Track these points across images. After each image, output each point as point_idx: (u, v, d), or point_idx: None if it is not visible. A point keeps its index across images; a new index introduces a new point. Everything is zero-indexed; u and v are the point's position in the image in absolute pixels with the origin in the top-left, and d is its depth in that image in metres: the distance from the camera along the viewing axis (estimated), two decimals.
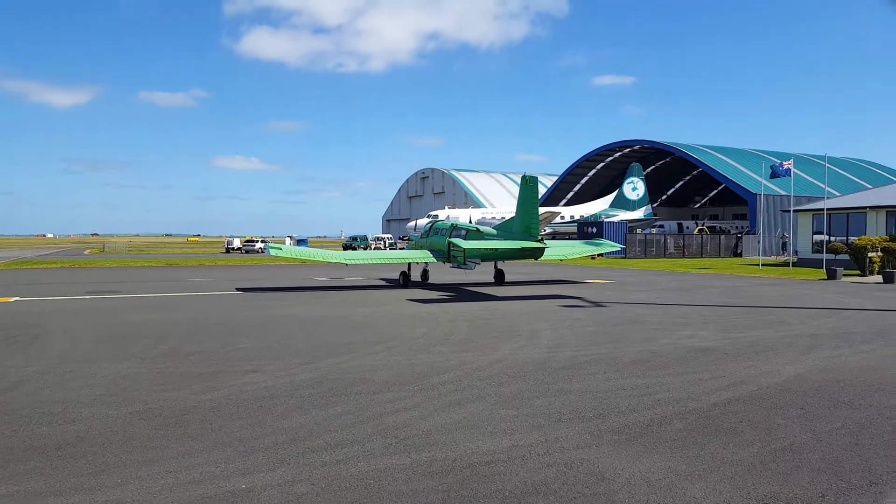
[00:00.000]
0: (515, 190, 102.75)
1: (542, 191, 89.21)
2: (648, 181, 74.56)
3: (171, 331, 13.89)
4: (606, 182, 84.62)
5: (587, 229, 56.56)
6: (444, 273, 31.95)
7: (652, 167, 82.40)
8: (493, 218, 63.38)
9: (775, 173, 36.09)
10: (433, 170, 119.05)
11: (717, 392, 8.67)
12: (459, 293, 23.31)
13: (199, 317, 16.27)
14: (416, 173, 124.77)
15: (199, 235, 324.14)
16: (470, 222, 59.50)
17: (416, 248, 27.71)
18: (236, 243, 78.44)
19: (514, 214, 24.56)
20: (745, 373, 9.76)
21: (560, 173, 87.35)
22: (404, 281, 25.54)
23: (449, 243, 24.80)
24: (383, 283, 28.17)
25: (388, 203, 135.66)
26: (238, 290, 24.14)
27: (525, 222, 22.70)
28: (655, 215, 70.80)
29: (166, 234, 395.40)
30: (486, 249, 23.51)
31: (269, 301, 20.17)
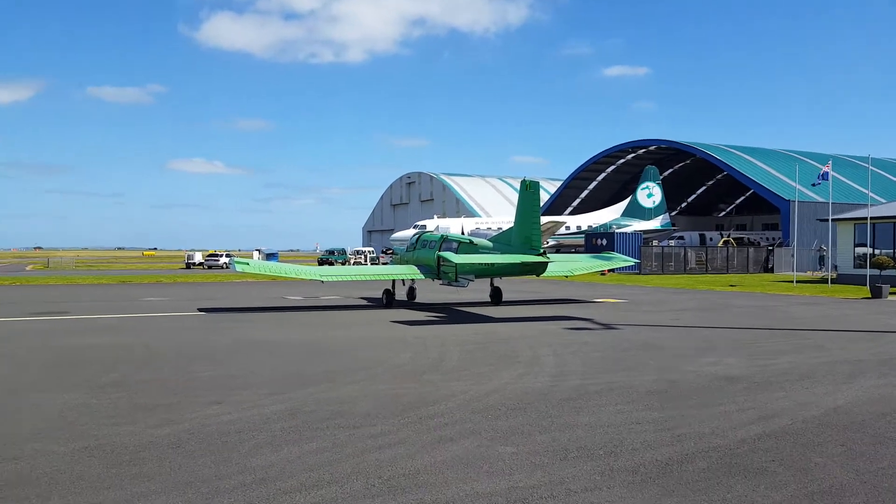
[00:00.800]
0: (514, 197, 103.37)
1: (544, 198, 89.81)
2: (666, 186, 75.19)
3: (125, 357, 13.84)
4: (618, 187, 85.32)
5: (596, 241, 56.86)
6: (433, 291, 32.00)
7: (670, 170, 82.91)
8: (489, 228, 63.57)
9: (816, 182, 36.19)
10: (420, 174, 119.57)
11: (745, 427, 8.68)
12: (451, 314, 23.28)
13: (155, 341, 16.21)
14: (400, 178, 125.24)
15: (155, 249, 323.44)
16: (462, 233, 59.70)
17: (401, 263, 27.76)
18: (198, 258, 78.27)
19: (512, 224, 24.68)
20: (777, 405, 9.78)
21: (565, 178, 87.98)
22: (388, 300, 25.58)
23: (438, 257, 24.88)
24: (364, 302, 28.14)
25: (369, 212, 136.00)
26: (200, 311, 24.09)
27: (525, 233, 22.83)
28: (674, 225, 71.33)
29: (118, 248, 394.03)
30: (481, 264, 23.58)
31: (235, 323, 20.13)
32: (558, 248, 67.13)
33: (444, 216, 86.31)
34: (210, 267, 73.28)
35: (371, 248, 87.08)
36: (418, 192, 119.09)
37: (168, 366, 12.84)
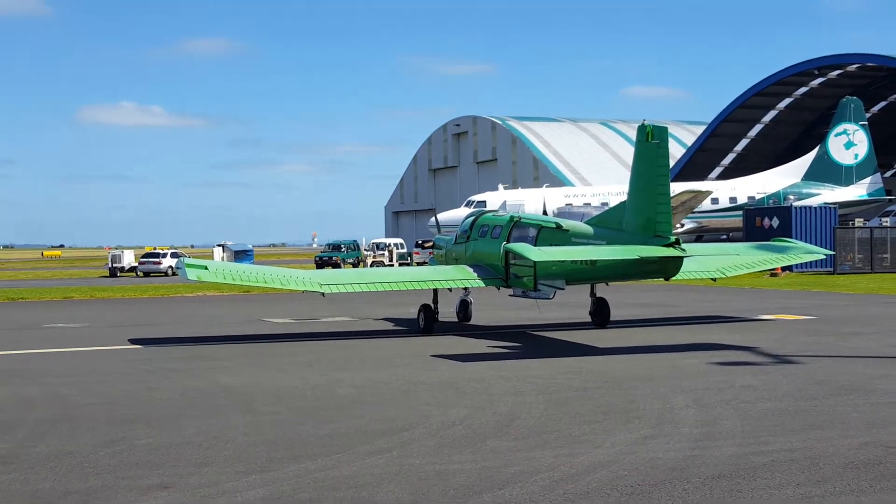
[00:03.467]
0: (625, 152, 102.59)
1: (676, 154, 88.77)
2: (877, 131, 73.33)
3: (21, 416, 14.16)
4: (796, 134, 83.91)
5: (761, 222, 56.07)
6: (498, 307, 32.04)
7: (883, 104, 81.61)
8: (587, 204, 63.20)
9: None
10: (476, 119, 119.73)
11: None
12: (528, 343, 23.17)
13: (66, 391, 16.55)
14: (444, 127, 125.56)
15: (61, 247, 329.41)
16: (545, 213, 59.42)
17: (447, 263, 27.91)
18: (128, 260, 79.82)
19: (623, 197, 24.54)
20: None
21: (709, 121, 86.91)
22: (427, 322, 25.72)
23: (507, 252, 24.87)
24: (390, 326, 28.21)
25: (395, 183, 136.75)
26: (134, 343, 24.52)
27: (646, 211, 22.62)
28: (890, 193, 69.78)
29: (4, 247, 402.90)
30: (576, 263, 23.49)
31: (189, 362, 20.43)
32: (700, 234, 66.20)
33: (514, 186, 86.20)
34: (148, 273, 74.68)
35: (399, 241, 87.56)
36: (472, 149, 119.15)
37: (87, 430, 13.10)
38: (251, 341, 24.70)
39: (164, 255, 77.16)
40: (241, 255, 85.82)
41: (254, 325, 29.02)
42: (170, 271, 72.45)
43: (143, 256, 79.01)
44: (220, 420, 13.61)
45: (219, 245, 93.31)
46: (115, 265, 78.24)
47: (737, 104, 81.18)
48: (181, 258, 54.81)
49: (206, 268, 24.08)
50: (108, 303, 41.87)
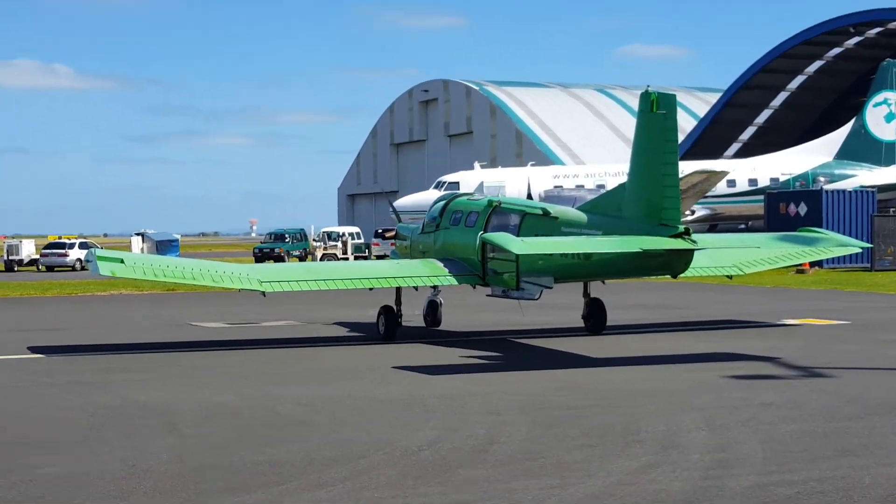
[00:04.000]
0: (624, 124, 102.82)
1: (685, 125, 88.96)
2: None
3: None
4: (827, 104, 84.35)
5: (785, 208, 56.35)
6: (473, 308, 32.09)
7: None
8: (580, 187, 63.25)
9: None
10: (446, 83, 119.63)
11: None
12: (508, 351, 23.21)
13: None
14: (409, 92, 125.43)
15: None
16: (529, 197, 59.44)
17: (411, 256, 27.97)
18: (27, 250, 79.12)
19: (622, 178, 24.59)
20: None
21: (724, 88, 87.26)
22: (389, 326, 25.73)
23: (485, 243, 24.84)
24: (344, 331, 28.17)
25: (349, 159, 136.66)
26: (33, 351, 24.35)
27: (649, 194, 22.67)
28: None
29: None
30: (567, 257, 23.51)
31: (100, 374, 20.32)
32: (714, 223, 66.41)
33: (492, 165, 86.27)
34: (51, 268, 74.11)
35: (355, 230, 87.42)
36: (443, 120, 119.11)
37: None
38: (175, 350, 24.56)
39: (71, 246, 76.47)
40: (164, 247, 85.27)
41: (179, 331, 28.86)
42: (78, 265, 71.96)
43: (46, 247, 78.32)
44: (137, 444, 13.51)
45: (137, 234, 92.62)
46: (11, 257, 77.49)
47: (758, 68, 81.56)
48: (91, 249, 54.23)
49: (121, 261, 23.88)
50: (2, 303, 41.51)
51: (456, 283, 25.24)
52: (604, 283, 27.43)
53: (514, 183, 64.71)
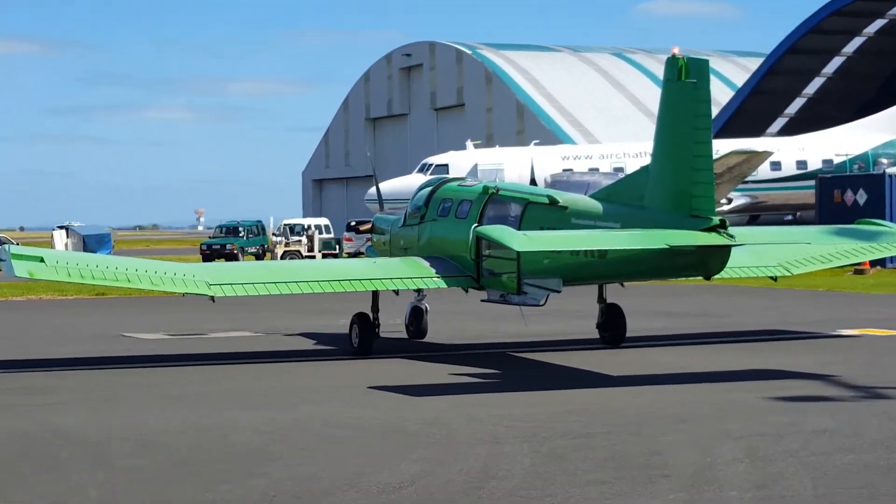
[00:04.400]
0: (647, 95, 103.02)
1: (719, 97, 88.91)
2: None
3: None
4: (889, 70, 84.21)
5: (841, 195, 56.41)
6: (465, 316, 32.11)
7: None
8: (594, 170, 63.41)
9: None
10: (432, 46, 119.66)
11: None
12: (507, 368, 23.25)
13: None
14: (387, 57, 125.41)
15: None
16: (533, 182, 59.47)
17: (391, 253, 28.07)
18: None
19: (644, 160, 24.64)
20: None
21: (768, 52, 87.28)
22: (363, 337, 25.73)
23: (479, 237, 24.84)
24: (310, 344, 28.18)
25: (316, 137, 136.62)
26: None
27: (678, 180, 22.69)
28: None
29: None
30: (578, 254, 23.52)
31: (15, 395, 20.28)
32: (755, 214, 66.47)
33: (488, 144, 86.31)
34: None
35: (324, 222, 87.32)
36: (429, 90, 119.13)
37: None
38: (106, 366, 24.51)
39: None
40: (93, 242, 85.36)
41: (110, 343, 28.81)
42: None
43: None
44: (60, 479, 13.44)
45: (61, 227, 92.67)
46: None
47: (807, 27, 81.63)
48: (4, 246, 53.79)
49: (41, 259, 23.85)
50: None
51: (445, 285, 25.22)
52: (622, 285, 27.47)
53: (514, 166, 64.81)
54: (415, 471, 13.66)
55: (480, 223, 25.05)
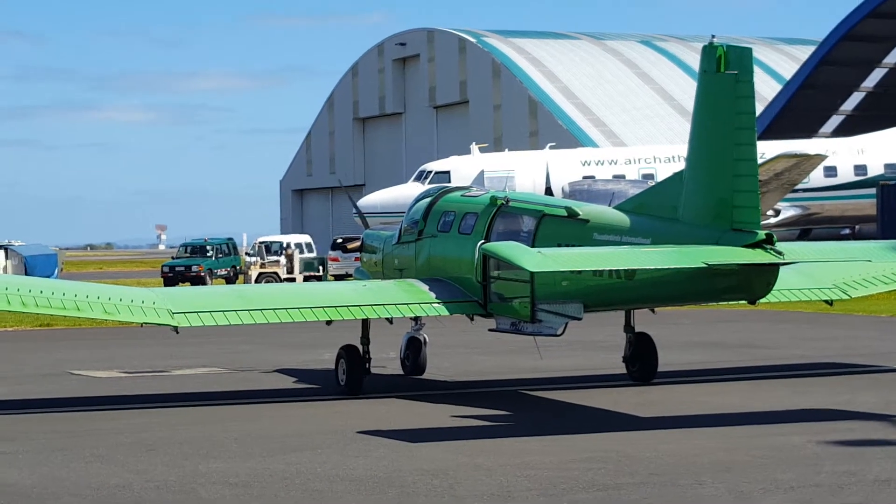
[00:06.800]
0: (680, 90, 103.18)
1: (764, 92, 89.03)
2: None
3: None
4: None
5: None
6: (471, 347, 32.10)
7: None
8: (619, 178, 63.52)
9: None
10: (431, 34, 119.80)
11: None
12: (520, 408, 23.28)
13: None
14: (379, 47, 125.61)
15: None
16: (549, 192, 59.60)
17: (383, 276, 28.20)
18: None
19: (678, 165, 24.68)
20: None
21: (820, 39, 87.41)
22: (352, 374, 25.75)
23: (486, 256, 24.88)
24: (288, 381, 28.21)
25: (297, 141, 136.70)
26: None
27: (717, 189, 22.73)
28: None
29: None
30: (601, 275, 23.54)
31: None
32: (807, 227, 66.53)
33: (496, 148, 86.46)
34: None
35: (305, 239, 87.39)
36: (427, 85, 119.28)
37: None
38: (52, 409, 24.51)
39: None
40: (37, 264, 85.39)
41: (57, 383, 28.81)
42: None
43: None
44: None
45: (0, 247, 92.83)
46: None
47: (866, 10, 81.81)
48: None
49: None
50: None
51: (447, 312, 25.27)
52: (653, 311, 27.53)
53: (527, 172, 64.99)
54: None
55: (488, 239, 25.11)
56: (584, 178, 64.60)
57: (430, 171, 69.01)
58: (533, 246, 23.72)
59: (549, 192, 58.37)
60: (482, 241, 25.10)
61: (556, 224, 25.01)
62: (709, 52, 22.35)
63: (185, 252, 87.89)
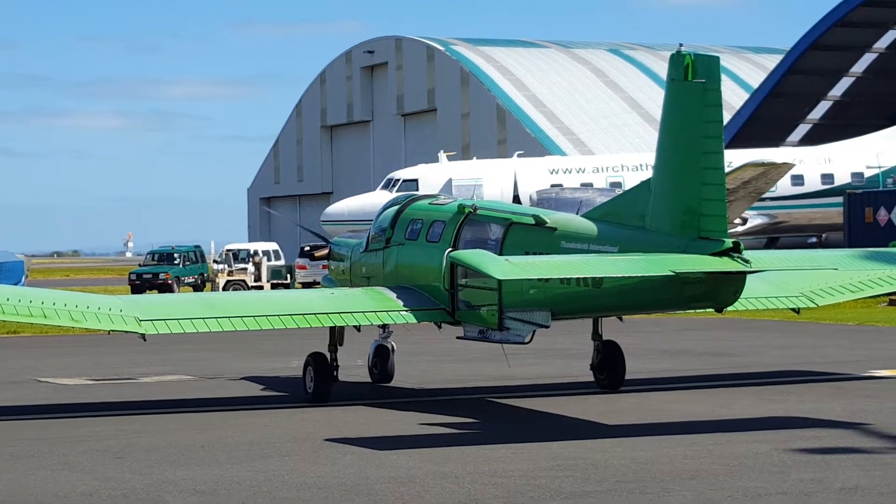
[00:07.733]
0: (648, 98, 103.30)
1: (732, 100, 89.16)
2: None
3: None
4: None
5: (873, 214, 56.64)
6: (438, 355, 32.14)
7: None
8: (587, 185, 63.56)
9: None
10: (399, 41, 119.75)
11: None
12: (488, 416, 23.30)
13: None
14: (347, 55, 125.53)
15: None
16: (517, 200, 59.62)
17: (351, 283, 28.23)
18: None
19: (645, 173, 24.73)
20: None
21: (788, 48, 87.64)
22: (319, 382, 25.73)
23: (453, 263, 24.88)
24: (255, 388, 28.20)
25: (265, 149, 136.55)
26: None
27: (684, 197, 22.78)
28: None
29: None
30: (569, 283, 23.57)
31: None
32: (774, 236, 66.68)
33: (464, 156, 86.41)
34: None
35: (273, 247, 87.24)
36: (395, 93, 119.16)
37: None
38: (18, 417, 24.45)
39: None
40: (2, 271, 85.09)
41: (23, 390, 28.73)
42: None
43: None
44: None
45: None
46: None
47: (834, 20, 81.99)
48: None
49: None
50: None
51: (414, 320, 25.23)
52: (621, 319, 27.57)
53: (495, 180, 64.98)
54: None
55: (455, 247, 25.10)
56: (552, 186, 64.61)
57: (398, 179, 68.94)
58: (500, 254, 23.70)
59: (516, 200, 58.38)
60: (450, 248, 25.10)
61: (524, 232, 25.02)
62: (677, 60, 22.36)
63: (153, 260, 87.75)
